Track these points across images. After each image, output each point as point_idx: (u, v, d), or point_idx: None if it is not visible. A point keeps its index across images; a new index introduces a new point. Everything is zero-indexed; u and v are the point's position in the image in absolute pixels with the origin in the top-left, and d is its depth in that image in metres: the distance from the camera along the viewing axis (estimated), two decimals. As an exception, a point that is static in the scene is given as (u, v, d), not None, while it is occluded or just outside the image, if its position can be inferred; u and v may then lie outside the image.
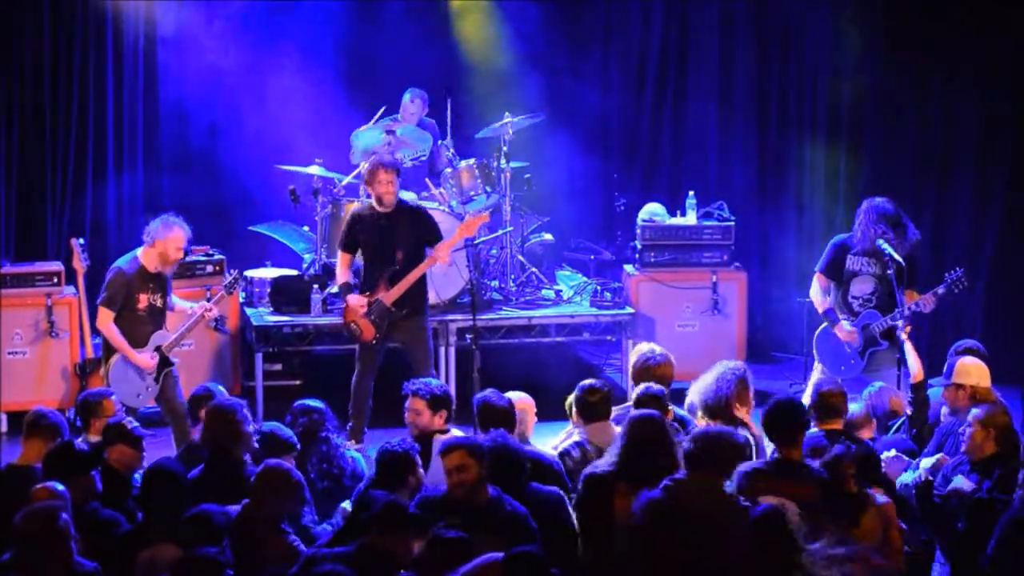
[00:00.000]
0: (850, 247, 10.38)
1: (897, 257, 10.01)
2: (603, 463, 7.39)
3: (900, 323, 9.89)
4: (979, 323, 13.14)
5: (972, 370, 8.67)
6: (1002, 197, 13.24)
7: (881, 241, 10.11)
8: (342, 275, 10.79)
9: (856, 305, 10.40)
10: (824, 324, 10.57)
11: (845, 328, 10.35)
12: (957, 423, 8.31)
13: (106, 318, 10.02)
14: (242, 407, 7.91)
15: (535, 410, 8.60)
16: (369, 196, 12.10)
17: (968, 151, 13.32)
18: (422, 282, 10.69)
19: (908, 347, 9.85)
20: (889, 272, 10.04)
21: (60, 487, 6.86)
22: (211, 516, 6.84)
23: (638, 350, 9.18)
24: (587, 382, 8.41)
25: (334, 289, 12.23)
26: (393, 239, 10.53)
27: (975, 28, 13.02)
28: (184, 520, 6.81)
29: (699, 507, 6.75)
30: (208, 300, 10.68)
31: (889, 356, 10.12)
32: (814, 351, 10.67)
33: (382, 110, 12.69)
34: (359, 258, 10.91)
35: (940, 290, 10.11)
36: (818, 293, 10.56)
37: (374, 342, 10.59)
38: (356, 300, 10.59)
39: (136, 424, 7.98)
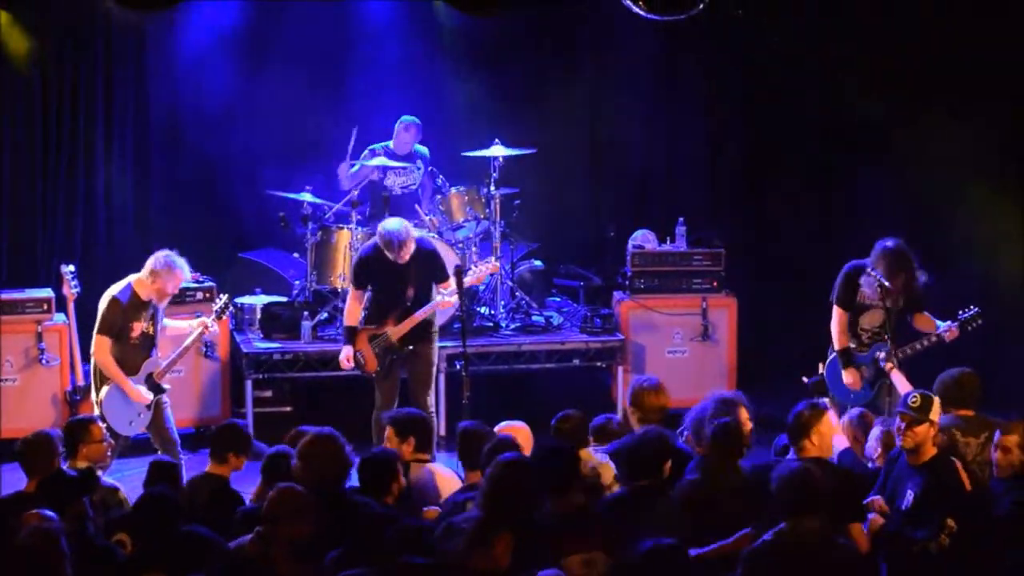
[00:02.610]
0: (861, 273, 10.28)
1: (887, 284, 9.98)
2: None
3: (882, 355, 9.92)
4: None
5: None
6: (999, 224, 13.23)
7: (876, 273, 10.05)
8: (349, 316, 10.76)
9: (865, 337, 10.31)
10: (834, 354, 10.48)
11: (852, 376, 10.30)
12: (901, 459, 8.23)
13: (103, 346, 9.96)
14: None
15: (531, 438, 8.34)
16: (360, 223, 12.21)
17: (968, 177, 13.19)
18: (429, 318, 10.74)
19: (897, 377, 9.88)
20: (889, 305, 10.03)
21: (51, 514, 6.84)
22: (199, 537, 6.80)
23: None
24: (561, 412, 8.21)
25: (324, 316, 12.26)
26: (405, 278, 10.55)
27: (972, 55, 13.00)
28: (172, 542, 6.77)
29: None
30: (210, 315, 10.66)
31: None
32: (824, 379, 10.55)
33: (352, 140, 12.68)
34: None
35: (952, 326, 10.06)
36: (836, 326, 10.37)
37: (375, 375, 10.61)
38: (347, 353, 10.64)
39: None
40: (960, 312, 10.06)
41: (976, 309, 10.04)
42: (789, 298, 13.63)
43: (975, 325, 10.03)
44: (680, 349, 12.66)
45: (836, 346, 10.37)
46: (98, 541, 7.13)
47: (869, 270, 10.07)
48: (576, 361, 12.66)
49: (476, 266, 11.31)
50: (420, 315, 10.55)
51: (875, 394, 10.20)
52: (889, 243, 10.15)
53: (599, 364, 12.71)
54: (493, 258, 11.98)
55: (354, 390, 11.31)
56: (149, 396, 10.04)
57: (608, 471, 8.06)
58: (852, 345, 10.30)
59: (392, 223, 10.65)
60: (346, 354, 10.67)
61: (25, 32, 12.54)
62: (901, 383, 9.83)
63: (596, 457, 8.16)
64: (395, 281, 10.55)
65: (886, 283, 9.93)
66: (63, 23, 12.73)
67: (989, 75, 12.92)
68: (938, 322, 10.13)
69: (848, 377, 10.26)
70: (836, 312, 10.39)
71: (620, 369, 12.37)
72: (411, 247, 10.45)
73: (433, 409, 10.65)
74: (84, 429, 8.51)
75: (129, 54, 13.04)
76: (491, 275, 11.90)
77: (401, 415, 8.53)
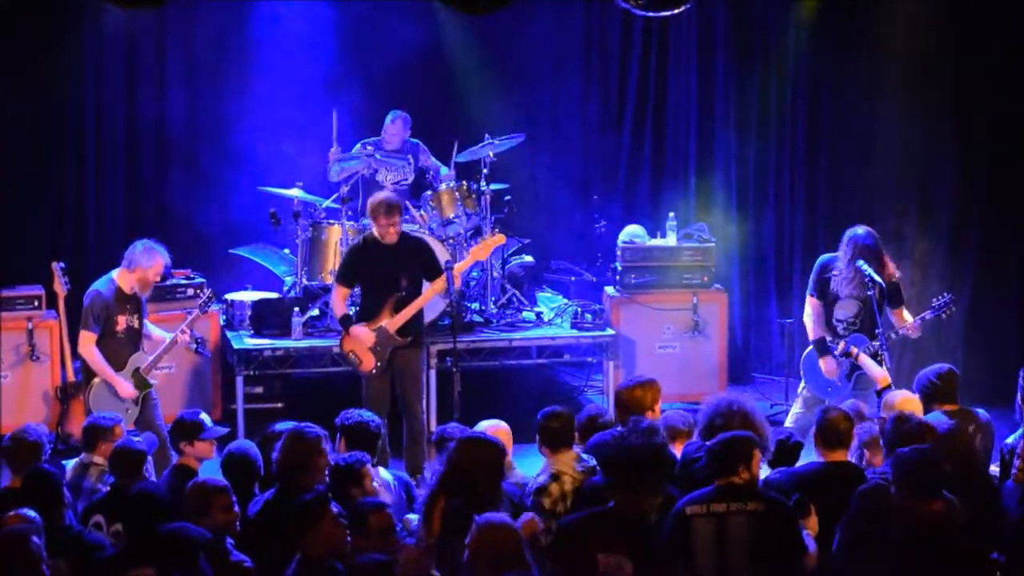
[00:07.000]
0: (831, 267, 10.38)
1: (878, 279, 10.02)
2: None
3: (881, 349, 9.95)
4: (960, 345, 13.06)
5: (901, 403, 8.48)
6: (981, 220, 13.23)
7: (862, 263, 10.11)
8: (339, 308, 10.68)
9: (840, 328, 10.35)
10: (811, 347, 10.54)
11: (829, 364, 10.34)
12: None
13: (88, 342, 10.03)
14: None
15: (511, 438, 8.22)
16: (351, 218, 12.21)
17: (947, 174, 13.20)
18: (420, 312, 10.65)
19: (864, 361, 9.97)
20: (870, 293, 10.06)
21: (32, 513, 6.85)
22: (187, 532, 6.82)
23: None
24: (549, 408, 8.01)
25: (315, 312, 12.25)
26: (397, 267, 10.46)
27: (955, 60, 13.01)
28: (160, 538, 6.78)
29: None
30: (185, 321, 10.68)
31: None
32: (801, 372, 10.65)
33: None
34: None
35: (927, 315, 10.17)
36: (810, 318, 10.47)
37: (374, 372, 10.51)
38: (363, 331, 10.47)
39: None
40: (934, 300, 10.21)
41: (949, 296, 10.14)
42: (780, 293, 13.68)
43: (949, 312, 10.13)
44: (671, 344, 12.66)
45: (811, 336, 10.45)
46: (87, 536, 7.14)
47: (848, 263, 10.15)
48: (567, 356, 12.70)
49: (482, 239, 11.20)
50: (419, 302, 10.47)
51: (852, 388, 10.25)
52: (859, 229, 10.30)
53: (590, 359, 12.73)
54: (496, 230, 11.99)
55: (344, 386, 11.30)
56: (135, 391, 10.08)
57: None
58: (828, 337, 10.36)
59: (381, 192, 10.75)
60: (362, 333, 10.42)
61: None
62: (871, 370, 9.96)
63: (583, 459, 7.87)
64: (386, 271, 10.46)
65: (877, 278, 9.98)
66: (50, 19, 12.70)
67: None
68: (907, 315, 10.29)
69: (825, 365, 10.30)
70: (809, 302, 10.51)
71: (611, 364, 12.37)
72: (399, 216, 10.39)
73: (425, 415, 10.65)
74: (108, 429, 8.52)
75: (119, 52, 13.03)
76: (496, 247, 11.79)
77: (346, 421, 8.33)
